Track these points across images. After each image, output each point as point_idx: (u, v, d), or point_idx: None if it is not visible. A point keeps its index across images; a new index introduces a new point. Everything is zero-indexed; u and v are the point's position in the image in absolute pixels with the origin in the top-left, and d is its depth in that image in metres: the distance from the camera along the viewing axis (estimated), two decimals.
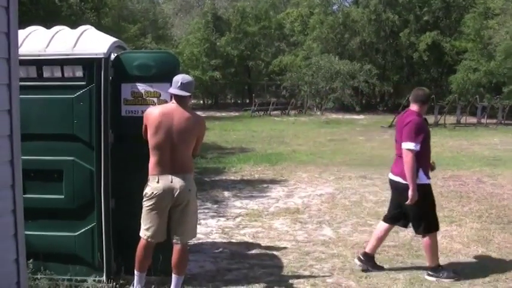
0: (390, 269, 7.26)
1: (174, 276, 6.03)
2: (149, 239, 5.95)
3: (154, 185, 5.85)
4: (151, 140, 5.88)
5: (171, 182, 5.85)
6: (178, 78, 5.97)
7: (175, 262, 6.02)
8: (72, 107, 6.26)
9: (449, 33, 48.23)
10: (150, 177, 5.90)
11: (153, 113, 5.93)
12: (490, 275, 7.01)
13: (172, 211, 5.96)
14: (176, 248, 6.01)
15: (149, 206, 5.89)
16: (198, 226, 8.57)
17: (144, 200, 5.91)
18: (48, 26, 6.92)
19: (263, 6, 62.44)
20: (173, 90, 5.98)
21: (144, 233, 5.96)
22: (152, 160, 5.90)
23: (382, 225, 7.39)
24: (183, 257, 6.05)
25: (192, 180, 6.05)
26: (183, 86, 5.94)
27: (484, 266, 7.35)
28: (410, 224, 7.23)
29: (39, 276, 6.22)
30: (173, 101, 6.02)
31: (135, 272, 6.05)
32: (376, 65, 48.68)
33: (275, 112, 43.97)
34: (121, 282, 6.39)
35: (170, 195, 5.85)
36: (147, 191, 5.89)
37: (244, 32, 56.90)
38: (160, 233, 5.97)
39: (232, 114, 44.38)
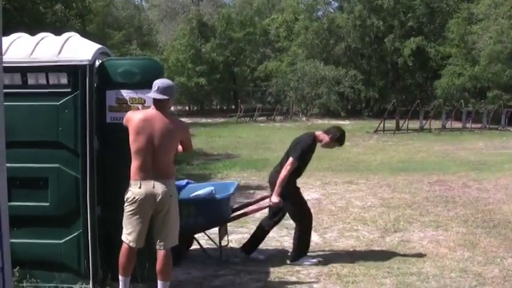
0: (377, 274, 7.25)
1: (159, 283, 6.00)
2: (131, 244, 5.91)
3: (136, 190, 5.82)
4: (133, 145, 5.85)
5: (153, 187, 5.82)
6: (157, 82, 5.96)
7: (160, 268, 5.99)
8: (57, 114, 6.23)
9: (434, 38, 48.56)
10: (132, 182, 5.87)
11: (134, 118, 5.91)
12: (477, 279, 7.03)
13: (154, 217, 5.93)
14: (160, 254, 5.98)
15: (131, 211, 5.86)
16: None
17: (125, 204, 5.88)
18: (32, 33, 6.88)
19: (248, 13, 62.70)
20: (151, 94, 5.96)
21: (126, 237, 5.93)
22: (134, 165, 5.88)
23: None
24: (167, 263, 6.01)
25: (174, 186, 6.04)
26: (161, 90, 5.92)
27: (470, 271, 7.36)
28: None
29: (24, 284, 6.18)
30: (153, 106, 6.02)
31: (120, 277, 6.01)
32: (361, 71, 48.93)
33: (261, 118, 44.07)
34: None
35: (152, 200, 5.82)
36: (129, 195, 5.85)
37: (229, 38, 57.06)
38: (142, 238, 5.94)
39: (218, 120, 44.41)
